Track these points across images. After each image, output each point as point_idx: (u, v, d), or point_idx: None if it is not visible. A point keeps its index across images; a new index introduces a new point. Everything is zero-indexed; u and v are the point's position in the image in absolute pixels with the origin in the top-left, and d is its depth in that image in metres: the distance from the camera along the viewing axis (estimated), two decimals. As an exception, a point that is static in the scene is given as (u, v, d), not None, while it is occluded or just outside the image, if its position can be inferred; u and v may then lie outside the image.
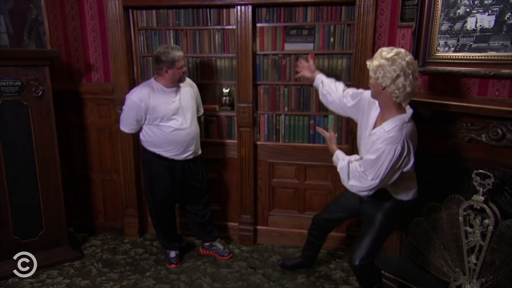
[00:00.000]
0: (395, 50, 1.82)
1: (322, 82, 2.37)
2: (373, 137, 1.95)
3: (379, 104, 1.98)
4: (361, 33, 2.63)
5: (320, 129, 2.36)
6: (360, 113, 2.14)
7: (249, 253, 3.05)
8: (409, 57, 1.81)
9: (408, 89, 1.79)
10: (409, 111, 1.93)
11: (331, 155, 2.16)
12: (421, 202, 2.42)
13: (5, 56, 2.52)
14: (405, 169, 1.91)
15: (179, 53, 2.48)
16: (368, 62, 1.90)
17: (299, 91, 2.92)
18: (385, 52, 1.82)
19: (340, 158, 2.07)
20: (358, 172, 1.93)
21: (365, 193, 1.97)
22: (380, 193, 2.04)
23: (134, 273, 2.78)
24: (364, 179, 1.91)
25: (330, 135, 2.23)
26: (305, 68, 2.47)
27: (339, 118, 2.89)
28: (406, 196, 2.08)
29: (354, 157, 2.06)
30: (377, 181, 1.88)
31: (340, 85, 2.33)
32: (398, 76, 1.77)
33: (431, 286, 2.37)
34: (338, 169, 2.06)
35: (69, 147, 3.24)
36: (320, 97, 2.40)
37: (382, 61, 1.80)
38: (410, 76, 1.78)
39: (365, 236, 2.12)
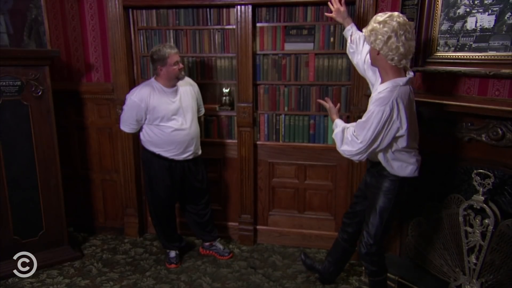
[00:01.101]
0: (389, 13, 1.84)
1: (351, 36, 2.25)
2: (369, 103, 1.95)
3: (379, 71, 1.96)
4: (361, 33, 2.62)
5: (320, 101, 2.29)
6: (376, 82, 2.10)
7: (249, 253, 3.05)
8: (401, 18, 1.81)
9: (402, 49, 1.79)
10: (408, 74, 1.91)
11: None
12: (421, 202, 2.43)
13: (5, 56, 2.52)
14: (397, 134, 1.86)
15: (169, 50, 2.48)
16: (364, 29, 1.91)
17: (299, 91, 2.92)
18: (379, 17, 1.84)
19: (338, 125, 2.05)
20: (351, 136, 1.93)
21: (356, 158, 1.95)
22: (378, 172, 2.04)
23: (134, 273, 2.78)
24: (355, 142, 1.90)
25: (330, 105, 2.20)
26: (337, 11, 2.29)
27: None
28: (402, 171, 2.00)
29: (351, 124, 2.03)
30: (365, 143, 1.86)
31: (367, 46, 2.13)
32: (389, 38, 1.78)
33: (431, 286, 2.37)
34: (333, 135, 2.05)
35: (69, 147, 3.24)
36: (347, 51, 2.30)
37: (375, 25, 1.82)
38: (403, 37, 1.78)
39: (369, 223, 2.10)
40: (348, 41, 2.28)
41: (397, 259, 2.62)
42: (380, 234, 2.08)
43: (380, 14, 1.87)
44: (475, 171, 2.05)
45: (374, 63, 1.96)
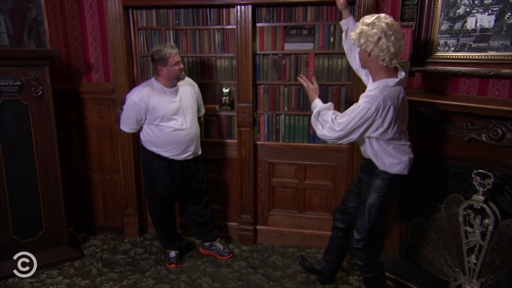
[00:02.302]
0: (376, 15, 1.87)
1: (346, 31, 2.24)
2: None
3: (370, 73, 1.99)
4: (361, 33, 2.62)
5: (301, 78, 2.28)
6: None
7: (249, 253, 3.05)
8: (389, 19, 1.84)
9: (392, 49, 1.82)
10: (400, 75, 1.93)
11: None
12: (421, 202, 2.43)
13: (5, 56, 2.52)
14: (376, 132, 1.90)
15: (170, 50, 2.48)
16: (352, 33, 1.94)
17: (299, 91, 2.92)
18: (367, 19, 1.87)
19: (317, 105, 2.08)
20: (331, 123, 1.96)
21: (330, 139, 2.01)
22: (371, 170, 2.07)
23: (134, 273, 2.78)
24: (334, 130, 1.94)
25: (307, 84, 2.21)
26: None
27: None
28: (393, 167, 2.01)
29: (331, 105, 2.07)
30: (343, 133, 1.91)
31: None
32: (379, 39, 1.80)
33: (431, 285, 2.37)
34: (312, 118, 2.08)
35: (69, 147, 3.24)
36: (343, 44, 2.31)
37: (363, 27, 1.84)
38: (392, 37, 1.81)
39: (358, 220, 2.13)
40: (343, 36, 2.28)
41: (397, 259, 2.62)
42: (367, 230, 2.09)
43: (367, 16, 1.89)
44: (475, 171, 2.05)
45: (364, 65, 1.99)
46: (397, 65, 1.96)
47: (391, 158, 2.00)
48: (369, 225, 2.08)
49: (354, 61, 2.22)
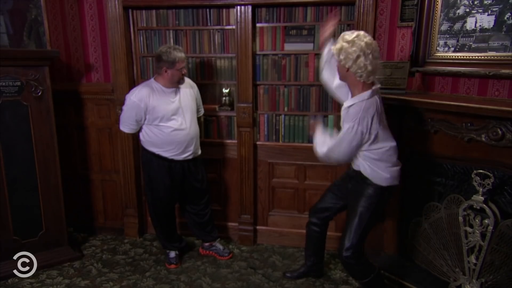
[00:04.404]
0: (356, 32, 1.95)
1: (325, 61, 2.29)
2: (342, 119, 2.10)
3: (348, 86, 2.07)
4: (361, 33, 2.62)
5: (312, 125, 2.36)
6: (344, 96, 2.19)
7: (249, 253, 3.05)
8: (367, 38, 1.93)
9: (369, 67, 1.91)
10: (375, 86, 2.01)
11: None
12: (421, 202, 2.43)
13: (5, 56, 2.52)
14: (364, 142, 1.99)
15: (180, 55, 2.48)
16: (332, 47, 2.03)
17: (299, 91, 2.92)
18: (347, 36, 1.95)
19: (318, 138, 2.20)
20: (327, 150, 2.09)
21: (329, 160, 2.14)
22: (362, 179, 2.13)
23: (134, 273, 2.78)
24: (331, 157, 2.10)
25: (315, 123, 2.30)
26: (327, 31, 2.29)
27: (339, 118, 2.88)
28: (384, 181, 2.09)
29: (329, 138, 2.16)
30: (340, 157, 2.06)
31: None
32: (358, 57, 1.89)
33: (430, 286, 2.37)
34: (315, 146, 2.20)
35: (69, 147, 3.24)
36: (320, 63, 2.35)
37: (344, 44, 1.93)
38: (370, 56, 1.90)
39: (348, 227, 2.16)
40: (321, 63, 2.30)
41: (397, 259, 2.62)
42: (357, 237, 2.13)
43: (347, 33, 1.98)
44: (475, 171, 2.05)
45: (343, 78, 2.07)
46: (374, 80, 2.03)
47: (382, 172, 2.08)
48: (359, 232, 2.13)
49: (328, 88, 2.33)
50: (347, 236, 2.14)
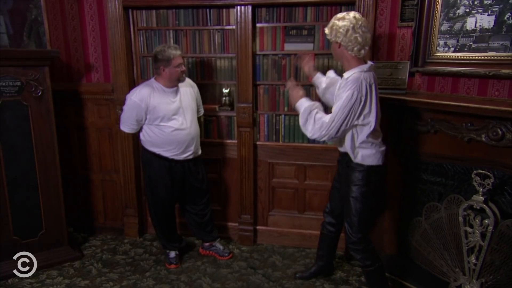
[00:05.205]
0: (346, 12, 2.06)
1: (318, 88, 2.45)
2: (337, 90, 2.09)
3: (342, 64, 2.13)
4: (361, 33, 2.62)
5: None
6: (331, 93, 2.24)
7: (249, 253, 3.05)
8: (357, 14, 2.03)
9: (360, 39, 1.99)
10: (370, 62, 2.08)
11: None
12: (421, 202, 2.43)
13: (5, 56, 2.52)
14: (364, 120, 2.01)
15: (175, 51, 2.48)
16: (325, 29, 2.11)
17: (299, 91, 2.92)
18: (338, 15, 2.06)
19: (305, 104, 2.16)
20: (322, 123, 2.04)
21: (322, 138, 2.08)
22: (347, 164, 2.17)
23: (134, 273, 2.78)
24: (325, 128, 2.03)
25: (291, 84, 2.31)
26: (307, 64, 2.49)
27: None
28: (366, 159, 2.11)
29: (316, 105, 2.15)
30: (335, 129, 2.01)
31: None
32: (348, 30, 1.98)
33: (430, 286, 2.37)
34: (300, 118, 2.16)
35: (69, 147, 3.24)
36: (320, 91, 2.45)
37: (334, 21, 2.04)
38: (359, 30, 1.98)
39: (346, 214, 2.22)
40: (323, 85, 2.39)
41: (397, 259, 2.62)
42: (357, 223, 2.18)
43: (339, 14, 2.07)
44: (475, 171, 2.05)
45: (337, 57, 2.14)
46: (365, 56, 2.10)
47: (366, 150, 2.10)
48: (357, 218, 2.17)
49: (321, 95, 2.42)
50: (348, 223, 2.20)
